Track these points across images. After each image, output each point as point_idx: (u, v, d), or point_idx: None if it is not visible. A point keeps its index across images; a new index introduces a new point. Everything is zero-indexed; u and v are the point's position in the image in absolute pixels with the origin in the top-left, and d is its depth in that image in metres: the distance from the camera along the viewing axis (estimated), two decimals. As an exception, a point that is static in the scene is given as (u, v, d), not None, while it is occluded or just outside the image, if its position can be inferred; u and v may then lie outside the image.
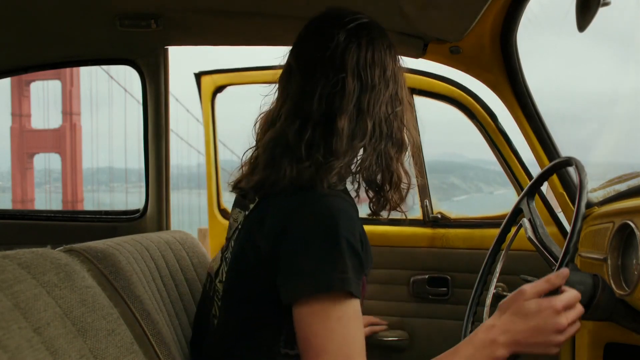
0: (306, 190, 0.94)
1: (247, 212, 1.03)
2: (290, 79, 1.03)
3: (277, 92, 1.07)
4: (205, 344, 1.08)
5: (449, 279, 1.85)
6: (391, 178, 1.02)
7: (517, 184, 1.77)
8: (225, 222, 2.06)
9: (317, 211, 0.92)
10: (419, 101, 1.84)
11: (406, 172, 1.05)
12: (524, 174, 1.76)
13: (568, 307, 0.92)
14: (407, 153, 1.05)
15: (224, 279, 1.03)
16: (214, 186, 2.10)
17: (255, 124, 1.10)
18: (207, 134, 2.08)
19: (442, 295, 1.85)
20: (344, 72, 0.97)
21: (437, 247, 1.87)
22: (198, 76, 2.06)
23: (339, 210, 0.92)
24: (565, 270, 0.96)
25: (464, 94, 1.80)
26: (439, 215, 1.89)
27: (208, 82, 2.04)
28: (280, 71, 1.07)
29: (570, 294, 0.93)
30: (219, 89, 2.06)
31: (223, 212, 2.12)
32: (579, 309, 0.93)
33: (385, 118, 1.00)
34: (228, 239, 1.08)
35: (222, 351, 1.01)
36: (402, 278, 1.89)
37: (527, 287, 0.93)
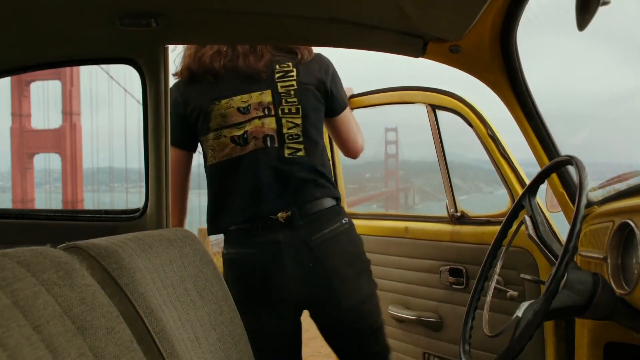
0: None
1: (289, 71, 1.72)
2: None
3: None
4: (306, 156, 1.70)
5: (463, 271, 2.06)
6: None
7: (506, 184, 1.95)
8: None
9: None
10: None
11: None
12: (512, 175, 1.92)
13: None
14: None
15: (293, 105, 1.70)
16: None
17: None
18: None
19: (460, 285, 2.08)
20: None
21: (455, 242, 2.12)
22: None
23: None
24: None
25: (463, 105, 2.04)
26: (460, 214, 2.13)
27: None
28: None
29: None
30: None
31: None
32: None
33: None
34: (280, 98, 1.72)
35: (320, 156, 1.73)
36: (433, 268, 2.16)
37: None
